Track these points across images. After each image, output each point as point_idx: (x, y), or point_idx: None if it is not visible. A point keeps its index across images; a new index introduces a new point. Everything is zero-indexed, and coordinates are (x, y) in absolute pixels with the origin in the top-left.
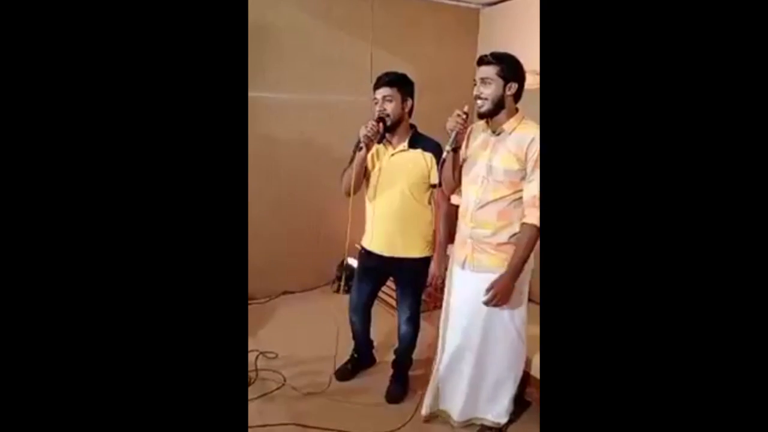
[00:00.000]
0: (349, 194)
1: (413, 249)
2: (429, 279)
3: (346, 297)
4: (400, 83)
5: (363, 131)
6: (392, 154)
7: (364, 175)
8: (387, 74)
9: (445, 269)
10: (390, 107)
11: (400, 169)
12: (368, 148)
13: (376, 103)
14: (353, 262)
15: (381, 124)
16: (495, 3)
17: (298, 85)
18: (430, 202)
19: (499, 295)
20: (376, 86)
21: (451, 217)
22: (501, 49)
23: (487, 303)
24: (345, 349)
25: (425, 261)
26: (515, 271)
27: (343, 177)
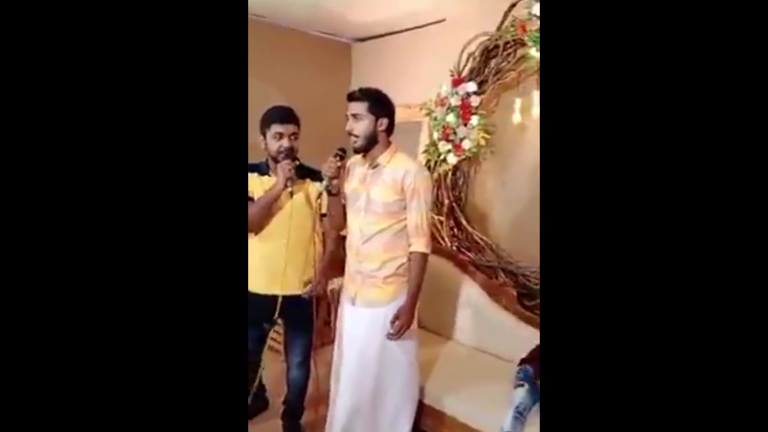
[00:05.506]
0: (254, 233)
1: (307, 284)
2: (309, 291)
3: None
4: (298, 119)
5: (286, 173)
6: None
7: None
8: (288, 110)
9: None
10: (296, 143)
11: (291, 202)
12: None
13: (279, 138)
14: None
15: (294, 162)
16: (366, 39)
17: None
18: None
19: (405, 325)
20: (284, 121)
21: (337, 240)
22: (374, 83)
23: (394, 334)
24: None
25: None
26: (414, 299)
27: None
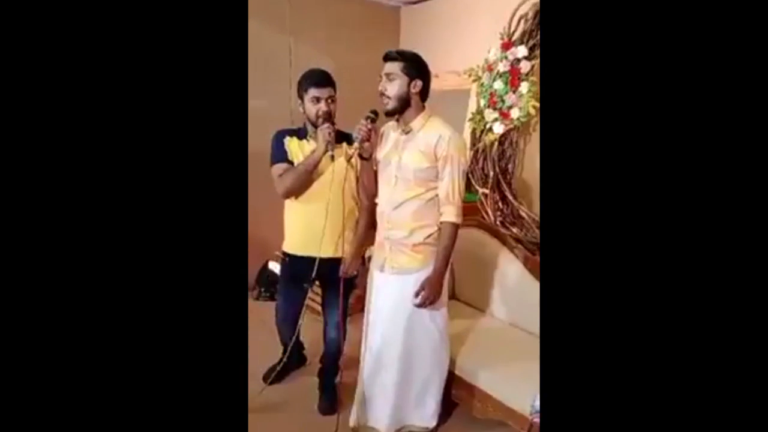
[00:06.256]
0: (288, 196)
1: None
2: (341, 272)
3: (266, 304)
4: (334, 82)
5: (326, 137)
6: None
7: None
8: (324, 73)
9: (364, 267)
10: (333, 107)
11: (332, 166)
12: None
13: (317, 102)
14: (274, 267)
15: (333, 125)
16: (416, 2)
17: None
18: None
19: (431, 296)
20: (321, 85)
21: (371, 213)
22: (423, 47)
23: (419, 305)
24: (270, 358)
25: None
26: (442, 270)
27: (283, 179)
